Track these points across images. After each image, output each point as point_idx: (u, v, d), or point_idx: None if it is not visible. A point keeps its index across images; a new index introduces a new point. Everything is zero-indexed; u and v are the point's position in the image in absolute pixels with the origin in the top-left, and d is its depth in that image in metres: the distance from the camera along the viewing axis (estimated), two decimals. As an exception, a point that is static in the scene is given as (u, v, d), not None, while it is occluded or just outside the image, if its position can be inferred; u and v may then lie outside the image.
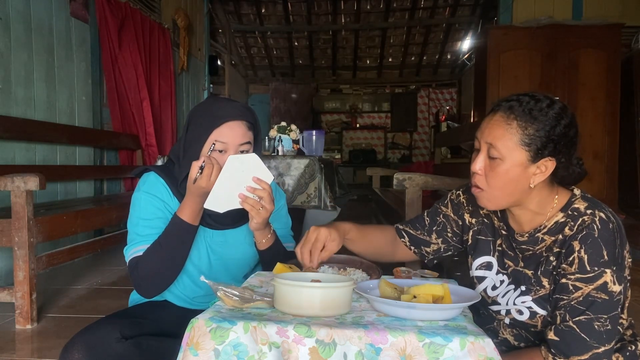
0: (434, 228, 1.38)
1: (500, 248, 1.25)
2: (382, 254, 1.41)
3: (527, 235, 1.18)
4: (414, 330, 0.89)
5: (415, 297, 1.01)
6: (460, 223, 1.35)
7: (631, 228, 5.06)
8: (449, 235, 1.37)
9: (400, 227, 1.42)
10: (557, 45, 5.18)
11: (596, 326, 1.04)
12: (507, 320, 1.22)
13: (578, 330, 1.04)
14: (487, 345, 0.87)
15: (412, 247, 1.39)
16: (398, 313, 0.98)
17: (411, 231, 1.39)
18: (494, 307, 1.25)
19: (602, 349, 1.04)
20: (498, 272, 1.24)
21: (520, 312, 1.18)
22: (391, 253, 1.42)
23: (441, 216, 1.38)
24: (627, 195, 5.39)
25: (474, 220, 1.32)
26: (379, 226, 1.44)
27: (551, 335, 1.07)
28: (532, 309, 1.16)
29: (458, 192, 1.38)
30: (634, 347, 1.17)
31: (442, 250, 1.39)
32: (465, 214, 1.34)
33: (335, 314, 0.98)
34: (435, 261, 1.42)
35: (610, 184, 5.18)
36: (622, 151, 5.21)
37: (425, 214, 1.41)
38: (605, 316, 1.04)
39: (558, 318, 1.08)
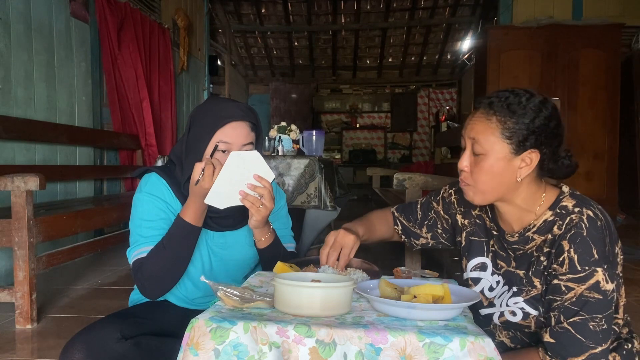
0: (425, 222, 1.43)
1: (493, 249, 1.26)
2: (383, 238, 1.51)
3: (517, 235, 1.18)
4: (414, 330, 0.89)
5: (415, 297, 1.01)
6: (451, 222, 1.39)
7: (631, 228, 5.06)
8: (439, 231, 1.42)
9: (396, 214, 1.48)
10: (557, 45, 5.18)
11: (591, 326, 1.03)
12: (501, 322, 1.22)
13: (573, 331, 1.04)
14: (487, 345, 0.87)
15: (403, 236, 1.47)
16: (398, 313, 0.98)
17: (404, 222, 1.46)
18: (490, 309, 1.25)
19: (599, 349, 1.03)
20: (493, 273, 1.25)
21: (514, 314, 1.18)
22: (390, 236, 1.52)
23: (432, 212, 1.42)
24: (627, 195, 5.39)
25: (466, 222, 1.33)
26: (383, 215, 1.51)
27: (547, 338, 1.07)
28: (524, 310, 1.16)
29: (450, 190, 1.40)
30: (630, 345, 1.17)
31: (430, 244, 1.45)
32: (457, 215, 1.36)
33: (335, 314, 0.98)
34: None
35: (610, 184, 5.18)
36: (622, 151, 5.22)
37: (419, 206, 1.45)
38: (600, 316, 1.03)
39: (553, 320, 1.07)
